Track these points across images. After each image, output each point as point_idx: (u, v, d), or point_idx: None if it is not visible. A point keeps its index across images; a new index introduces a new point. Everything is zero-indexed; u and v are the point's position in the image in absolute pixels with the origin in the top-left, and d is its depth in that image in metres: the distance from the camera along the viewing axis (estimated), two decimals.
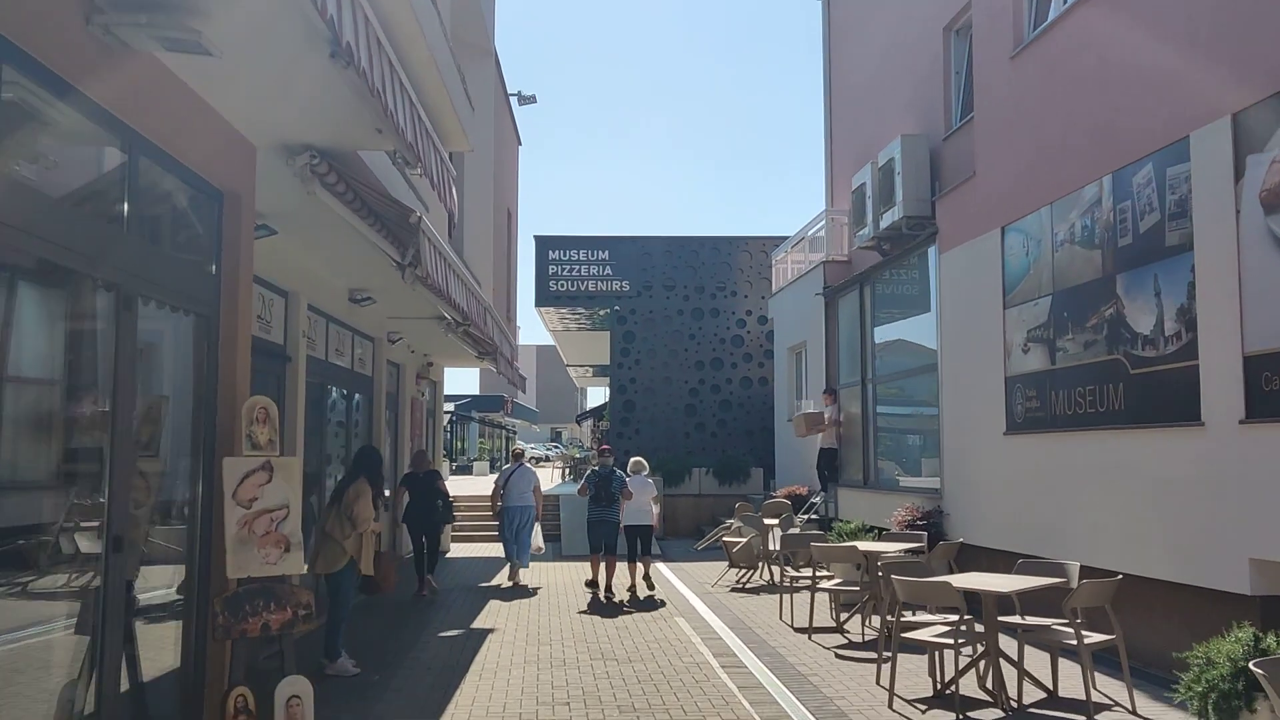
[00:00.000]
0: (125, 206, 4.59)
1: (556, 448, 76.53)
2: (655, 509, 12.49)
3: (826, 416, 15.62)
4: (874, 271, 14.42)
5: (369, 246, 7.15)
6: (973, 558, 10.28)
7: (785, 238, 21.15)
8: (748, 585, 12.90)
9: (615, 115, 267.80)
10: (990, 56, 10.89)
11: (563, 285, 23.63)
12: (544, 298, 23.69)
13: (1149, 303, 7.96)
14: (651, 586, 12.25)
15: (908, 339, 13.83)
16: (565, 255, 23.68)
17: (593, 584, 12.21)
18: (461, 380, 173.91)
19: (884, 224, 13.27)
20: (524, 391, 18.19)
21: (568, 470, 32.84)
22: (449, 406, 49.15)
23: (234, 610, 5.25)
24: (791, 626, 9.88)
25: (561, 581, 13.48)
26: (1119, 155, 8.39)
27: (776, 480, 20.02)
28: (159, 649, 5.32)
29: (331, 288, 9.83)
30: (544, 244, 23.82)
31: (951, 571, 9.07)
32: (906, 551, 9.47)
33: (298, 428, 9.25)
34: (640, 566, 12.24)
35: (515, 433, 61.81)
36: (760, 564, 13.09)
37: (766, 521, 13.32)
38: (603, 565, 12.08)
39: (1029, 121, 10.00)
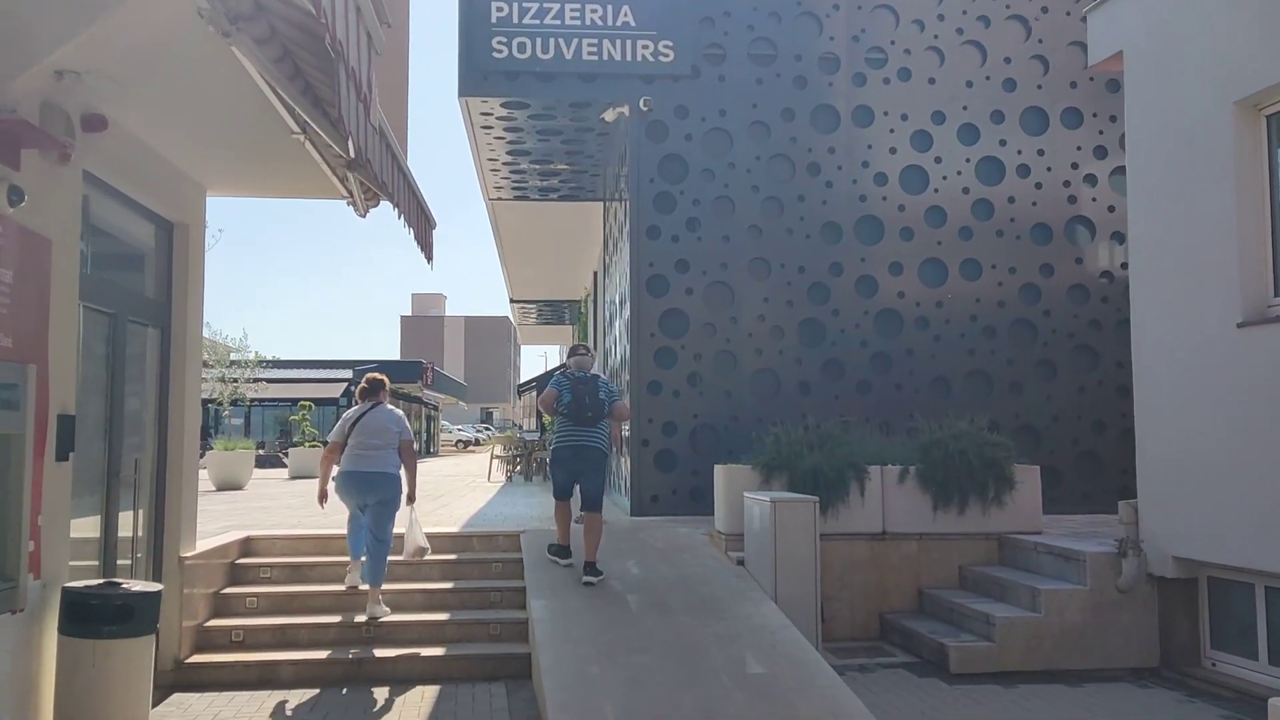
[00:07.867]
0: None
1: (488, 429, 62.55)
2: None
3: None
4: None
5: None
6: None
7: None
8: None
9: None
10: None
11: (523, 48, 10.38)
12: (477, 77, 10.37)
13: None
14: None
15: None
16: None
17: (559, 550, 7.46)
18: (376, 343, 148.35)
19: None
20: (429, 259, 4.55)
21: (515, 463, 18.00)
22: (343, 374, 35.22)
23: None
24: None
25: None
26: None
27: (1149, 498, 7.26)
28: None
29: None
30: None
31: None
32: None
33: None
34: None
35: (438, 409, 47.96)
36: None
37: None
38: (574, 521, 7.51)
39: None
